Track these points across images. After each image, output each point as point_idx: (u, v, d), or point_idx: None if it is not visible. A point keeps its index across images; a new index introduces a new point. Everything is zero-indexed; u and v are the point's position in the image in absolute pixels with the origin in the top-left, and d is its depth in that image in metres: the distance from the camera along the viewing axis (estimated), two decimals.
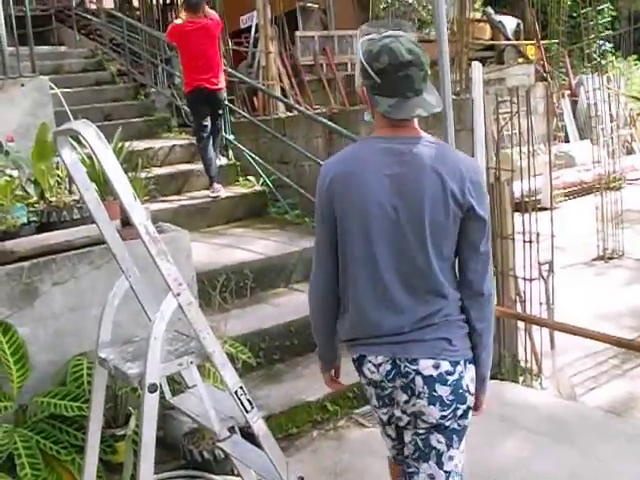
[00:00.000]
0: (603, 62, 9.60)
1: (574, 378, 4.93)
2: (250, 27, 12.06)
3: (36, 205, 3.90)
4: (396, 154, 2.13)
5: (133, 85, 10.26)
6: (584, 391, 4.80)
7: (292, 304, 4.75)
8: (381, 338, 2.17)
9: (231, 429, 2.50)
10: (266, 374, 4.24)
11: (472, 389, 2.23)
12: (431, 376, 2.13)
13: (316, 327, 2.41)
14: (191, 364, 2.41)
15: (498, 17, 17.01)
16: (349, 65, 14.74)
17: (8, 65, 6.24)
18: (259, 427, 2.36)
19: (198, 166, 6.94)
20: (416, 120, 2.19)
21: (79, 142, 2.36)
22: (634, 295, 6.51)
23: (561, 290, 5.24)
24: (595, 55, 9.59)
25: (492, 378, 4.53)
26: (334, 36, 14.67)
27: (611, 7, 10.98)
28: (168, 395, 2.72)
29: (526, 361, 4.85)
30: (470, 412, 2.27)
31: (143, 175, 5.09)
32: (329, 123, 5.69)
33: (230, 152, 7.39)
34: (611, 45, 14.37)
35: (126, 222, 3.22)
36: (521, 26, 17.01)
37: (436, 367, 2.13)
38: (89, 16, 13.89)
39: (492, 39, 16.90)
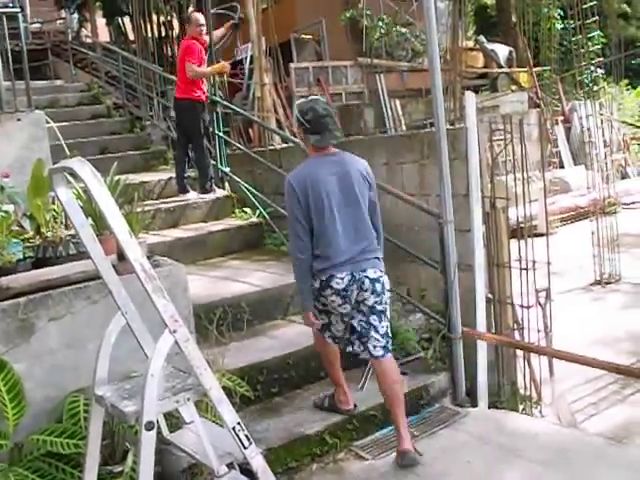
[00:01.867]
0: (595, 88, 9.65)
1: (574, 405, 4.91)
2: (244, 59, 12.15)
3: (32, 240, 3.89)
4: (333, 162, 3.82)
5: (129, 118, 10.32)
6: (584, 418, 4.78)
7: (290, 336, 4.73)
8: (344, 262, 3.71)
9: (230, 465, 2.48)
10: (265, 407, 4.20)
11: (387, 287, 3.87)
12: (373, 278, 3.77)
13: (301, 278, 3.85)
14: (188, 401, 2.40)
15: (490, 45, 17.20)
16: (344, 95, 14.86)
17: (4, 100, 6.28)
18: (257, 463, 2.34)
19: (196, 197, 7.00)
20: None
21: (75, 175, 2.37)
22: (632, 319, 6.51)
23: (559, 316, 5.24)
24: (587, 81, 9.67)
25: (491, 406, 4.55)
26: (328, 67, 14.81)
27: (601, 34, 11.08)
28: (165, 431, 2.71)
29: (525, 389, 4.83)
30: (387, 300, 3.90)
31: (139, 209, 5.12)
32: None
33: (226, 184, 7.41)
34: (602, 71, 14.50)
35: (123, 256, 3.21)
36: (513, 54, 17.19)
37: (374, 272, 3.78)
38: (85, 50, 14.02)
39: (485, 67, 17.08)
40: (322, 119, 3.73)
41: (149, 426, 2.19)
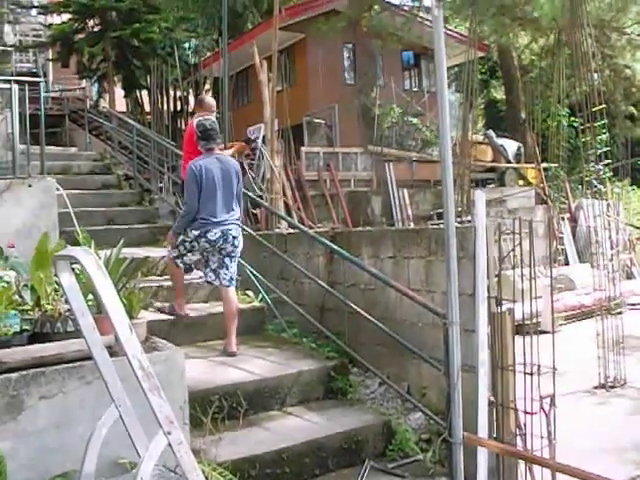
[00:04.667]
0: (602, 189, 9.70)
1: None
2: (256, 138, 12.29)
3: (31, 312, 3.84)
4: (218, 159, 5.79)
5: (138, 190, 10.40)
6: None
7: (286, 429, 4.59)
8: (218, 223, 5.63)
9: None
10: None
11: (242, 243, 5.89)
12: (235, 236, 5.72)
13: (182, 227, 5.74)
14: None
15: (499, 140, 17.47)
16: (352, 181, 14.98)
17: (18, 164, 6.33)
18: None
19: (198, 278, 6.93)
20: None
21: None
22: (637, 428, 6.32)
23: (562, 420, 5.08)
24: (595, 182, 9.72)
25: None
26: (339, 152, 15.00)
27: (608, 135, 11.19)
28: None
29: None
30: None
31: (142, 285, 5.07)
32: (330, 244, 5.67)
33: None
34: (610, 173, 14.66)
35: None
36: (522, 149, 17.43)
37: (236, 232, 5.75)
38: (101, 120, 14.28)
39: (493, 161, 17.29)
40: (208, 131, 5.77)
41: None
